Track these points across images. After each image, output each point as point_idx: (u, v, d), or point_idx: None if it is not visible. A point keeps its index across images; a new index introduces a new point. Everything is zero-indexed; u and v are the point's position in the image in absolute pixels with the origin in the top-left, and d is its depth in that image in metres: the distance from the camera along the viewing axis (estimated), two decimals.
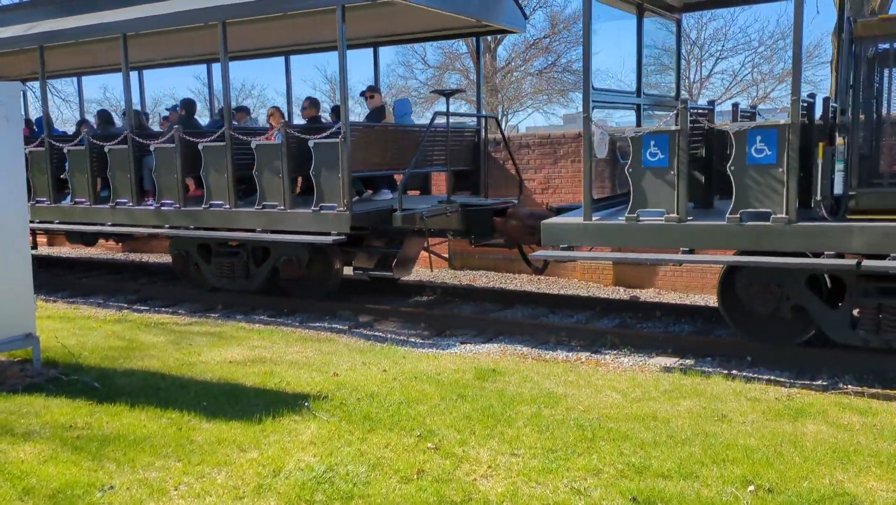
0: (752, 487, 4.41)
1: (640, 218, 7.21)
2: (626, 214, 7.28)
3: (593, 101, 7.37)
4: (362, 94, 11.00)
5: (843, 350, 7.35)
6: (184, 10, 9.98)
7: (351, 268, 10.33)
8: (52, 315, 10.01)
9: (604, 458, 4.87)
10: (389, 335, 8.90)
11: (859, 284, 6.89)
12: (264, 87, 47.38)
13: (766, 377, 6.92)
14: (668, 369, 7.18)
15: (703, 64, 31.72)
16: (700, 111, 8.51)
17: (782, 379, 6.91)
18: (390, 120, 10.69)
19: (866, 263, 6.42)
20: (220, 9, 9.63)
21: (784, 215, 6.58)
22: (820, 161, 6.51)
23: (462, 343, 8.51)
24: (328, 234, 9.24)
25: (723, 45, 31.31)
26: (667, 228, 7.07)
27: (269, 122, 11.35)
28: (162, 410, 5.87)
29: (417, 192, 11.88)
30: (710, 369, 7.21)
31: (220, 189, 10.15)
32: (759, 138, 6.60)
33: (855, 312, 7.03)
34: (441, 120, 9.97)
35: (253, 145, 9.73)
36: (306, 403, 5.95)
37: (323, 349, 7.97)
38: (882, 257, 6.39)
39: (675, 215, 7.03)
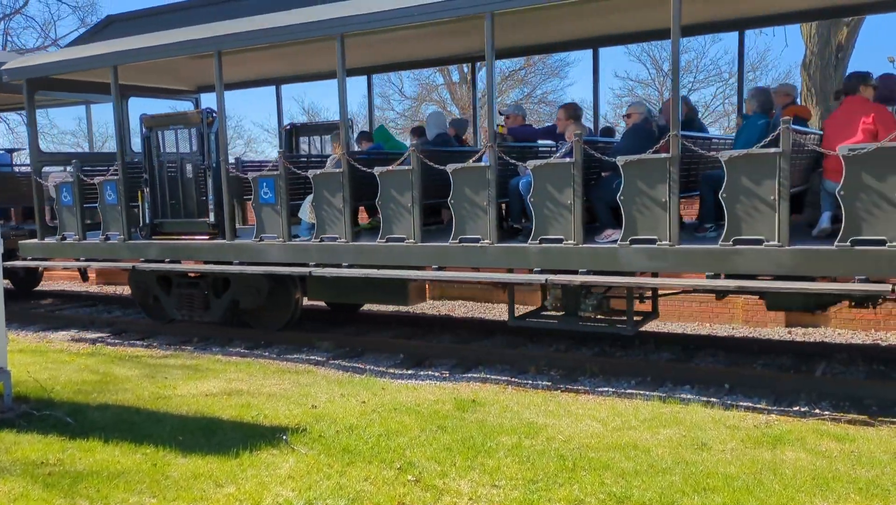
0: None
1: None
2: None
3: None
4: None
5: (820, 377, 7.42)
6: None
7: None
8: (24, 349, 9.85)
9: (585, 488, 4.85)
10: (368, 366, 8.84)
11: None
12: (241, 117, 47.43)
13: (744, 404, 6.95)
14: (647, 398, 7.19)
15: None
16: None
17: (760, 406, 6.94)
18: None
19: None
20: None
21: None
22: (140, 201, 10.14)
23: (441, 373, 8.47)
24: None
25: (694, 77, 31.88)
26: None
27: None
28: (136, 445, 5.77)
29: None
30: (689, 397, 7.23)
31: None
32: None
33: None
34: None
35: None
36: (284, 437, 5.88)
37: (301, 381, 7.90)
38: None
39: None
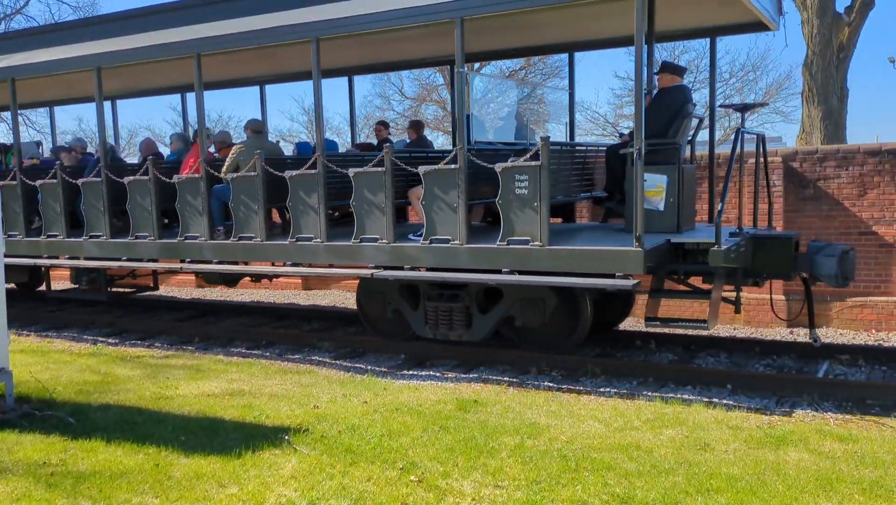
0: None
1: None
2: None
3: None
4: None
5: (822, 378, 7.42)
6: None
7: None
8: (25, 349, 9.84)
9: (588, 488, 4.84)
10: (370, 366, 8.84)
11: None
12: (241, 118, 47.45)
13: (746, 405, 6.95)
14: (649, 398, 7.19)
15: None
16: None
17: (763, 407, 6.94)
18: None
19: None
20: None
21: None
22: None
23: (443, 374, 8.46)
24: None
25: (695, 77, 31.81)
26: None
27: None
28: (139, 446, 5.76)
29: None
30: (691, 397, 7.22)
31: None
32: None
33: None
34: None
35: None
36: (286, 437, 5.87)
37: (302, 381, 7.89)
38: None
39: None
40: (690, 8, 8.58)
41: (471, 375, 8.32)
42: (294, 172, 9.05)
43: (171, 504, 4.74)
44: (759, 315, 10.80)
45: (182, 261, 10.26)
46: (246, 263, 9.85)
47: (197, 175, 9.81)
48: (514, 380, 8.06)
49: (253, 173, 9.27)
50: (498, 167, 7.76)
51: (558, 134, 11.70)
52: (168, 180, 10.03)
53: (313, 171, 8.83)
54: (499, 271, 7.89)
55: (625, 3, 7.32)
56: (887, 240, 10.31)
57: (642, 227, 7.14)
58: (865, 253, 10.42)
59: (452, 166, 7.94)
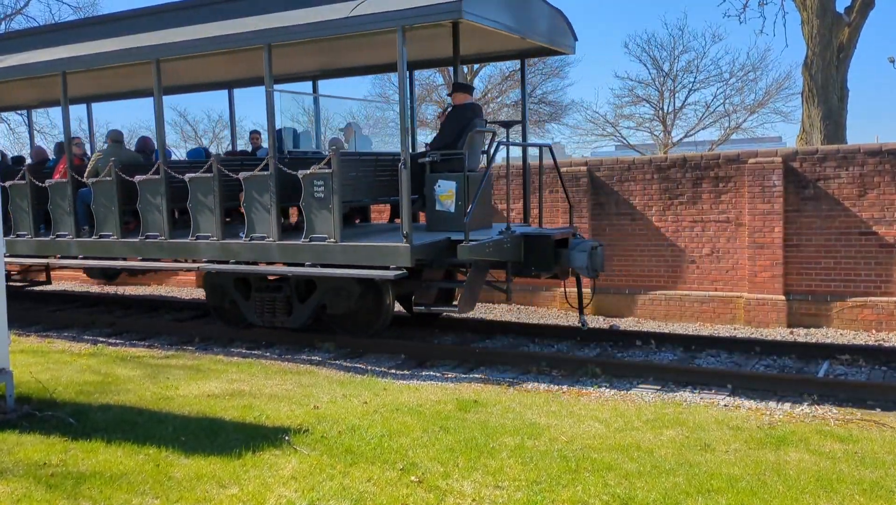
0: None
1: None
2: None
3: None
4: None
5: (822, 378, 7.41)
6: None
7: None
8: (26, 349, 9.84)
9: (588, 489, 4.84)
10: (370, 366, 8.84)
11: None
12: (241, 118, 47.44)
13: (747, 405, 6.94)
14: (649, 399, 7.19)
15: (676, 95, 32.22)
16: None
17: (763, 407, 6.93)
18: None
19: None
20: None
21: None
22: None
23: (443, 374, 8.46)
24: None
25: (695, 77, 31.86)
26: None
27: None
28: (139, 446, 5.76)
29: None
30: (692, 398, 7.22)
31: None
32: None
33: None
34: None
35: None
36: (287, 437, 5.87)
37: (303, 382, 7.89)
38: None
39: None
40: (491, 39, 9.65)
41: (471, 376, 8.32)
42: (141, 178, 10.17)
43: None
44: (759, 315, 10.80)
45: (56, 257, 11.41)
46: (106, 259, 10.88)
47: (64, 180, 10.97)
48: (515, 380, 8.06)
49: (109, 178, 10.41)
50: (300, 174, 8.89)
51: (394, 145, 12.78)
52: (41, 184, 11.21)
53: (157, 177, 10.01)
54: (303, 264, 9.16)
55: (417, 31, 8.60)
56: (887, 240, 10.31)
57: (409, 227, 8.30)
58: (866, 253, 10.42)
59: (265, 173, 9.17)
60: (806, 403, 7.04)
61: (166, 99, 10.70)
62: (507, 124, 9.61)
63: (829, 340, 9.71)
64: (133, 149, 12.30)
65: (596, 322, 11.38)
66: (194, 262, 10.38)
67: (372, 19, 8.23)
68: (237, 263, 9.68)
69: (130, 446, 5.76)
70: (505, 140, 9.24)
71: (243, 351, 9.79)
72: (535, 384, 7.88)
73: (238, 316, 10.42)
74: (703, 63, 32.11)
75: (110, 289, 16.19)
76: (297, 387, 7.64)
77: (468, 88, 9.65)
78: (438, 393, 7.35)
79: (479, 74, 34.07)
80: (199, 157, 11.67)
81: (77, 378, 8.10)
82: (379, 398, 7.10)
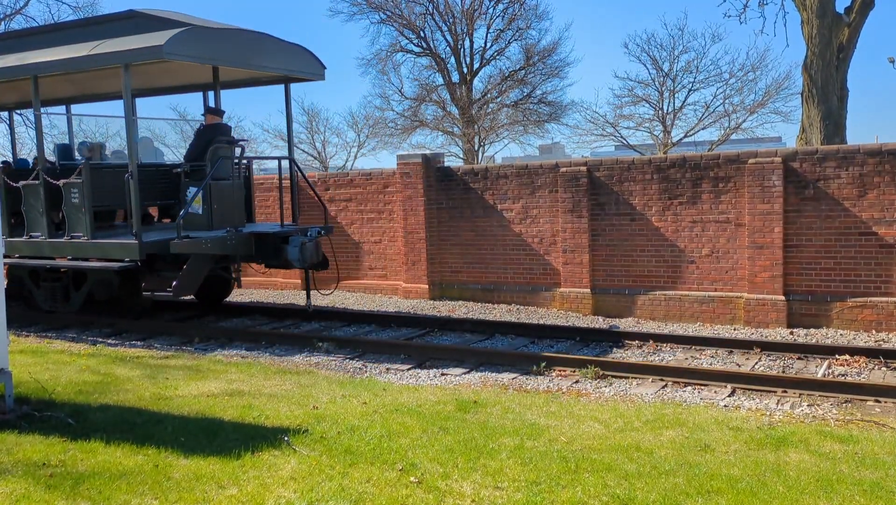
0: None
1: None
2: None
3: None
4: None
5: (822, 378, 7.40)
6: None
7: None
8: (25, 349, 9.83)
9: (588, 490, 4.83)
10: (369, 367, 8.83)
11: None
12: (241, 118, 47.40)
13: (747, 406, 6.94)
14: (649, 399, 7.18)
15: (675, 95, 32.19)
16: None
17: (763, 407, 6.93)
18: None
19: None
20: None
21: None
22: None
23: (443, 374, 8.46)
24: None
25: (695, 78, 31.81)
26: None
27: None
28: (138, 447, 5.75)
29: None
30: (691, 398, 7.22)
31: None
32: None
33: None
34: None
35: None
36: (286, 438, 5.86)
37: (302, 382, 7.88)
38: None
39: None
40: (248, 71, 11.43)
41: (470, 376, 8.32)
42: None
43: None
44: (759, 315, 10.80)
45: None
46: None
47: None
48: (514, 380, 8.05)
49: None
50: (61, 182, 10.55)
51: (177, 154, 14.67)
52: None
53: None
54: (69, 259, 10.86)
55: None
56: (887, 240, 10.31)
57: (139, 225, 10.08)
58: (866, 253, 10.41)
59: (35, 182, 10.96)
60: (806, 404, 7.04)
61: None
62: (235, 141, 11.31)
63: (829, 341, 9.71)
64: None
65: (596, 322, 11.38)
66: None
67: (104, 58, 10.04)
68: (21, 257, 11.37)
69: (129, 447, 5.75)
70: (251, 155, 11.09)
71: (243, 351, 9.78)
72: (535, 384, 7.87)
73: (35, 303, 12.03)
74: (703, 63, 32.06)
75: None
76: (296, 387, 7.63)
77: (217, 112, 11.52)
78: (438, 393, 7.34)
79: (479, 75, 34.10)
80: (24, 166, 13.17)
81: (76, 378, 8.09)
82: (378, 399, 7.09)
